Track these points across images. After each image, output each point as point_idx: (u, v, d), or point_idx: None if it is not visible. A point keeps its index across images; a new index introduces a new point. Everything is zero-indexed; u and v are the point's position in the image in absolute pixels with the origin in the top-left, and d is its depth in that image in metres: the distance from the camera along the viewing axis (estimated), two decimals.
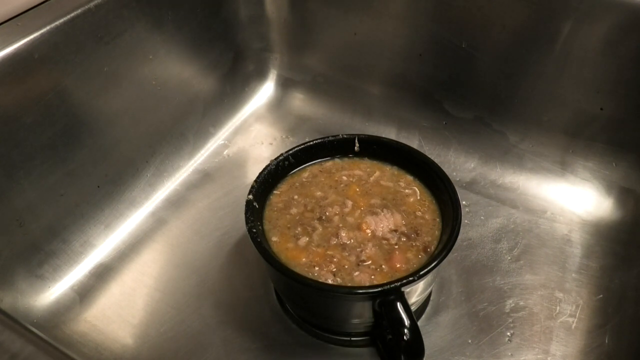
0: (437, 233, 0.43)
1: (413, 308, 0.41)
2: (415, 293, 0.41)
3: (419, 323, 0.42)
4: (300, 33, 0.66)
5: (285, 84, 0.69)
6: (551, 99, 0.55)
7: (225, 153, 0.63)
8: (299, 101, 0.68)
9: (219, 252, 0.52)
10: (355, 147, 0.49)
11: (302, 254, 0.42)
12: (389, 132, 0.63)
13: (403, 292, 0.38)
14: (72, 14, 0.46)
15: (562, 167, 0.57)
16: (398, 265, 0.41)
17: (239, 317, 0.47)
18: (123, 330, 0.47)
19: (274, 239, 0.43)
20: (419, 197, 0.46)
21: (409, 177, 0.48)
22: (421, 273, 0.38)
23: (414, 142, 0.62)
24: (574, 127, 0.55)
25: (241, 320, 0.47)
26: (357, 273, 0.40)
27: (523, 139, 0.58)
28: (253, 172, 0.51)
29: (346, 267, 0.41)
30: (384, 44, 0.61)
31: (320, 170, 0.49)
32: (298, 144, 0.48)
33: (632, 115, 0.52)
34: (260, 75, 0.69)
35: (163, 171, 0.58)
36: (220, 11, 0.61)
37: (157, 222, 0.55)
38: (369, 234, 0.43)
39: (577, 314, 0.47)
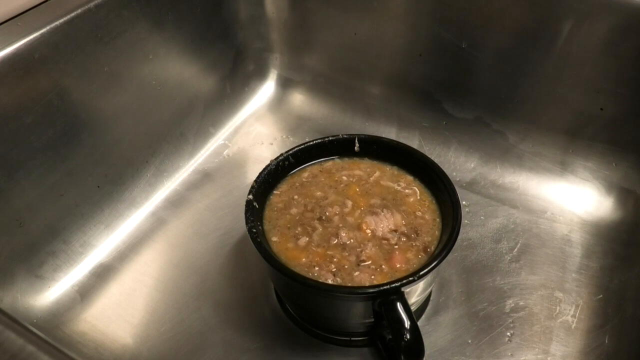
0: (437, 233, 0.43)
1: (413, 308, 0.41)
2: (415, 293, 0.41)
3: (419, 323, 0.43)
4: (300, 33, 0.65)
5: (285, 84, 0.69)
6: (551, 99, 0.55)
7: (225, 153, 0.63)
8: (299, 101, 0.68)
9: (219, 252, 0.52)
10: (355, 147, 0.49)
11: (302, 254, 0.42)
12: (389, 132, 0.63)
13: (403, 292, 0.38)
14: (72, 14, 0.46)
15: (562, 167, 0.57)
16: (398, 265, 0.41)
17: (239, 317, 0.47)
18: (123, 330, 0.47)
19: (274, 239, 0.43)
20: (419, 197, 0.46)
21: (409, 177, 0.48)
22: (421, 273, 0.38)
23: (414, 142, 0.62)
24: (574, 127, 0.55)
25: (241, 320, 0.47)
26: (357, 273, 0.40)
27: (523, 139, 0.58)
28: (253, 172, 0.51)
29: (346, 267, 0.41)
30: (384, 44, 0.61)
31: (320, 170, 0.49)
32: (298, 144, 0.48)
33: (632, 115, 0.52)
34: (260, 75, 0.69)
35: (163, 171, 0.58)
36: (220, 11, 0.61)
37: (157, 222, 0.55)
38: (369, 234, 0.43)
39: (577, 314, 0.47)
